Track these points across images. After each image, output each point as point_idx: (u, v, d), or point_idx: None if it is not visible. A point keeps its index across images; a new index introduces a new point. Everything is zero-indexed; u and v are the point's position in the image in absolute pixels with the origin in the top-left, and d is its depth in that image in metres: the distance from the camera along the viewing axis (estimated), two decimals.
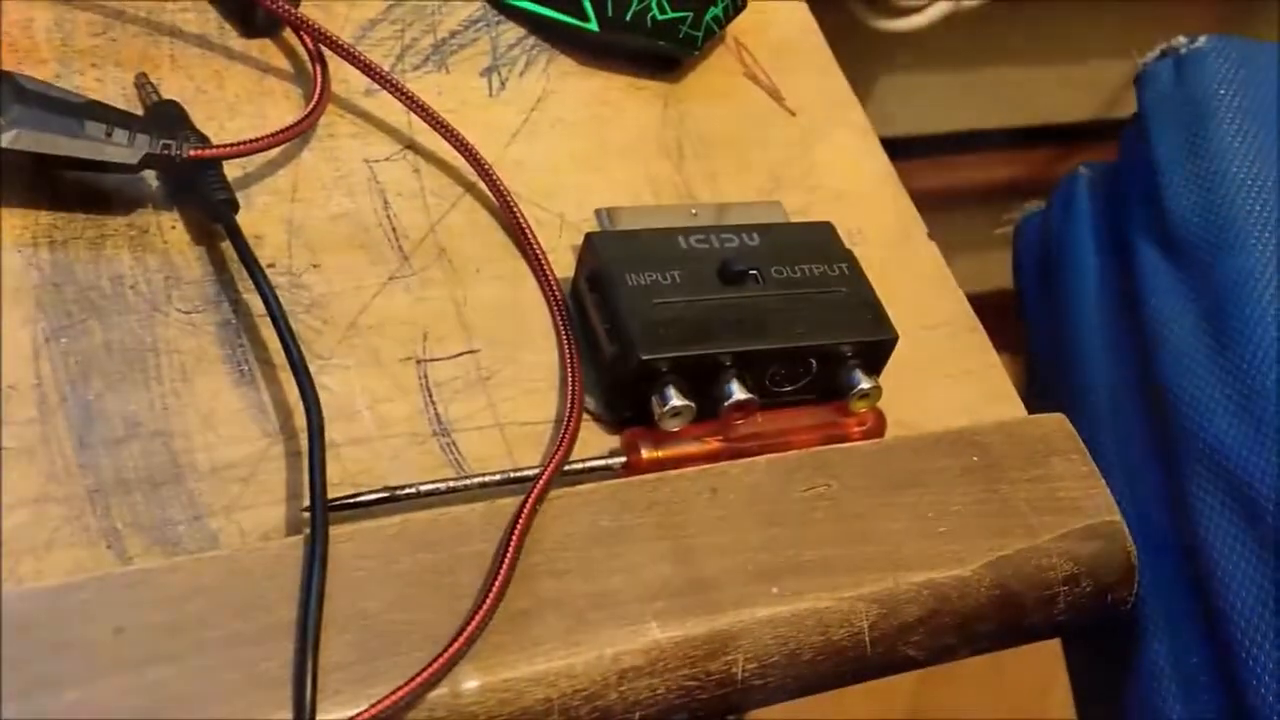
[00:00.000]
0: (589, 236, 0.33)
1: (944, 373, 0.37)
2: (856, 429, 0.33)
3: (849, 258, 0.35)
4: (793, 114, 0.40)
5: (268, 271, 0.31)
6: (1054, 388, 0.45)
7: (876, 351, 0.33)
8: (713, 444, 0.32)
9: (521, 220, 0.35)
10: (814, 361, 0.33)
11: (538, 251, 0.34)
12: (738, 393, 0.32)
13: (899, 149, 0.42)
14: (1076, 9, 0.98)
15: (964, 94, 1.01)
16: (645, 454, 0.31)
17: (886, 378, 0.33)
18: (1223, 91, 0.42)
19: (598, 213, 0.35)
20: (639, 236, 0.33)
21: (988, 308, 0.40)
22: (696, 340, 0.32)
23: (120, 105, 0.33)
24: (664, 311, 0.32)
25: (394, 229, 0.34)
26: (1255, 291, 0.36)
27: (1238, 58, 0.44)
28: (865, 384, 0.33)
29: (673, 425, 0.31)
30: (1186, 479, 0.34)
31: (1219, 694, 0.32)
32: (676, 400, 0.31)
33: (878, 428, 0.33)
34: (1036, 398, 0.38)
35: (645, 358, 0.31)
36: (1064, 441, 0.34)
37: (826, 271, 0.34)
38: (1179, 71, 0.46)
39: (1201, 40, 0.46)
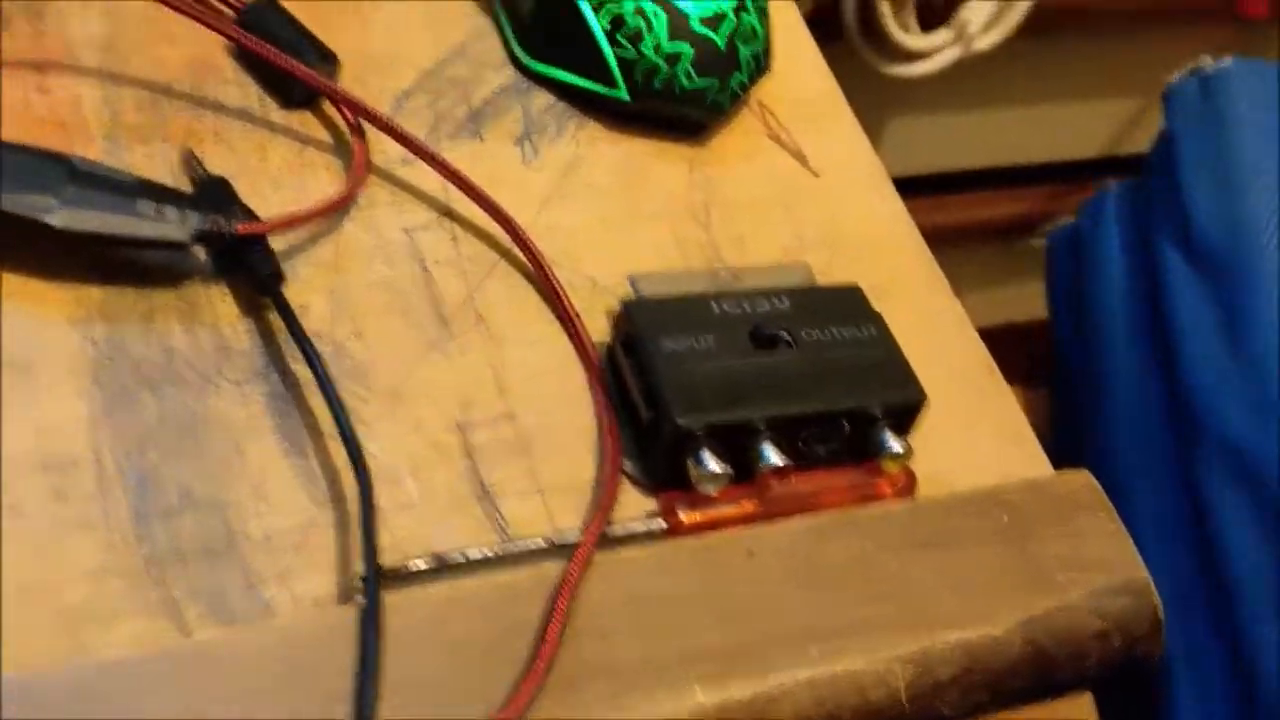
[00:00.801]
0: (624, 303, 0.34)
1: (969, 426, 0.38)
2: (888, 489, 0.34)
3: (877, 319, 0.35)
4: (816, 175, 0.41)
5: (313, 341, 0.32)
6: (1080, 389, 0.47)
7: (906, 412, 0.34)
8: (748, 506, 0.33)
9: (556, 285, 0.35)
10: (846, 423, 0.33)
11: (572, 316, 0.35)
12: (773, 456, 0.32)
13: (907, 187, 0.43)
14: (1080, 51, 1.00)
15: (970, 133, 1.03)
16: (684, 517, 0.32)
17: (913, 431, 0.34)
18: (1245, 110, 0.44)
19: (631, 279, 0.36)
20: (672, 302, 0.34)
21: (997, 341, 0.41)
22: (732, 405, 0.32)
23: (168, 180, 0.34)
24: (699, 376, 0.33)
25: (433, 296, 0.35)
26: (1272, 296, 0.37)
27: (1260, 79, 0.45)
28: (896, 445, 0.33)
29: (710, 489, 0.32)
30: (1202, 471, 0.35)
31: (1227, 674, 0.33)
32: (714, 465, 0.32)
33: (909, 487, 0.34)
34: (1062, 401, 0.39)
35: (682, 423, 0.32)
36: (1091, 499, 0.35)
37: (856, 333, 0.35)
38: (1204, 90, 0.48)
39: (1226, 62, 0.48)
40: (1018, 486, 0.35)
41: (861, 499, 0.34)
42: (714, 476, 0.32)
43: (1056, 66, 1.00)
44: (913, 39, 0.78)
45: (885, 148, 1.00)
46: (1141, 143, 1.15)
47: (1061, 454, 0.42)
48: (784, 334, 0.34)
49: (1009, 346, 0.47)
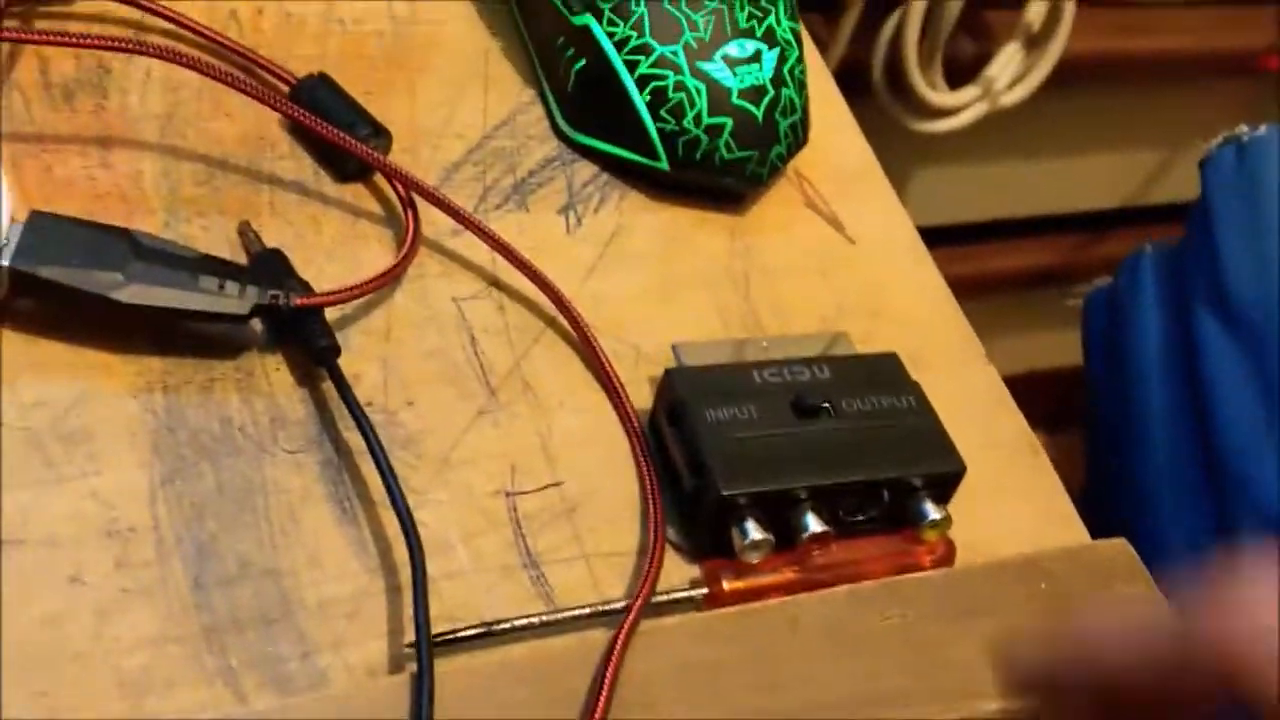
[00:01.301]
0: (668, 372, 0.35)
1: (1005, 492, 0.38)
2: (927, 557, 0.34)
3: (915, 388, 0.36)
4: (852, 242, 0.42)
5: (366, 410, 0.33)
6: (1115, 446, 0.47)
7: (946, 482, 0.35)
8: (790, 574, 0.33)
9: (600, 354, 0.36)
10: (886, 492, 0.34)
11: (616, 384, 0.36)
12: (814, 525, 0.33)
13: (932, 237, 0.44)
14: (1104, 103, 1.00)
15: (995, 184, 1.04)
16: (727, 586, 0.32)
17: (951, 499, 0.35)
18: None
19: (674, 347, 0.36)
20: (714, 371, 0.35)
21: (1021, 387, 0.42)
22: (774, 474, 0.33)
23: (225, 252, 0.35)
24: (742, 445, 0.33)
25: (481, 365, 0.35)
26: None
27: None
28: (935, 514, 0.34)
29: (753, 557, 0.33)
30: (1239, 533, 0.35)
31: None
32: (756, 534, 0.32)
33: (948, 555, 0.35)
34: (1097, 458, 0.40)
35: (726, 492, 0.32)
36: (1127, 566, 0.35)
37: (895, 403, 0.35)
38: (1240, 157, 0.48)
39: (1263, 129, 0.49)
40: (1055, 555, 0.35)
41: (901, 568, 0.34)
42: (756, 545, 0.32)
43: (1081, 118, 1.01)
44: (940, 96, 0.79)
45: (911, 198, 1.01)
46: (1166, 193, 1.16)
47: (1095, 511, 0.42)
48: (825, 404, 0.35)
49: (1034, 393, 0.48)
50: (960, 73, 0.84)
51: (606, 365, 0.36)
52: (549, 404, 0.35)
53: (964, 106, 0.80)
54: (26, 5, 0.37)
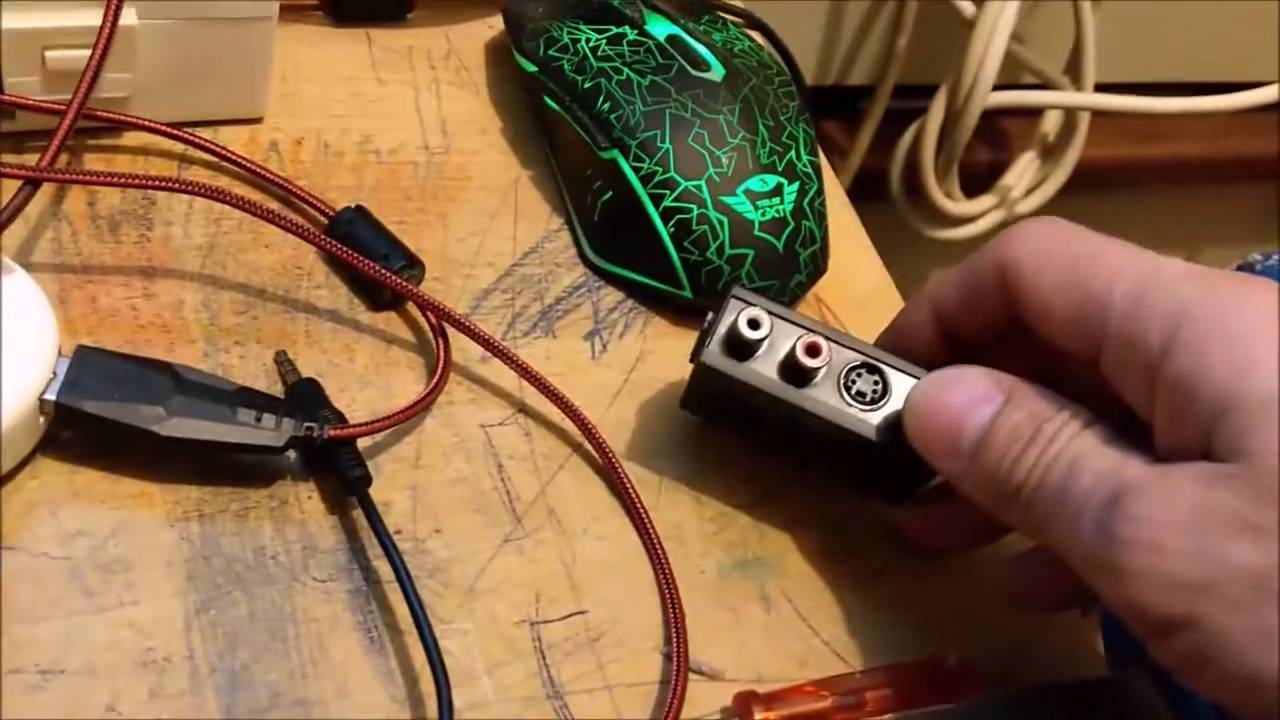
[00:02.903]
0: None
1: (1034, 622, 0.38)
2: (960, 685, 0.35)
3: None
4: None
5: (395, 538, 0.33)
6: None
7: None
8: (823, 703, 0.33)
9: (625, 480, 0.37)
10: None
11: (641, 512, 0.36)
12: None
13: None
14: (1120, 205, 1.02)
15: None
16: (758, 716, 0.33)
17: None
18: None
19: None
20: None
21: None
22: None
23: (262, 380, 0.36)
24: None
25: (508, 492, 0.36)
26: None
27: None
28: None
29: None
30: None
31: None
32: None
33: (972, 681, 0.35)
34: None
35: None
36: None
37: None
38: None
39: (1275, 257, 0.49)
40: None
41: (934, 696, 0.34)
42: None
43: (1096, 221, 1.02)
44: (957, 205, 0.81)
45: None
46: None
47: None
48: None
49: None
50: (976, 179, 0.85)
51: (630, 490, 0.37)
52: (573, 530, 0.36)
53: (980, 214, 0.82)
54: (77, 139, 0.39)
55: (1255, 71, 0.92)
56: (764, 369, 0.35)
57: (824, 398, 0.35)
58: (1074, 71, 0.80)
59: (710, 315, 0.35)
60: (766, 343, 0.35)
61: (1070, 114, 0.82)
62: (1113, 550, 0.27)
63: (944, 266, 1.12)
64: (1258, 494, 0.25)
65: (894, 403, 0.34)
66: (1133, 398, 0.29)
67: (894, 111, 0.82)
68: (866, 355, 0.35)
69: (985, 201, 0.82)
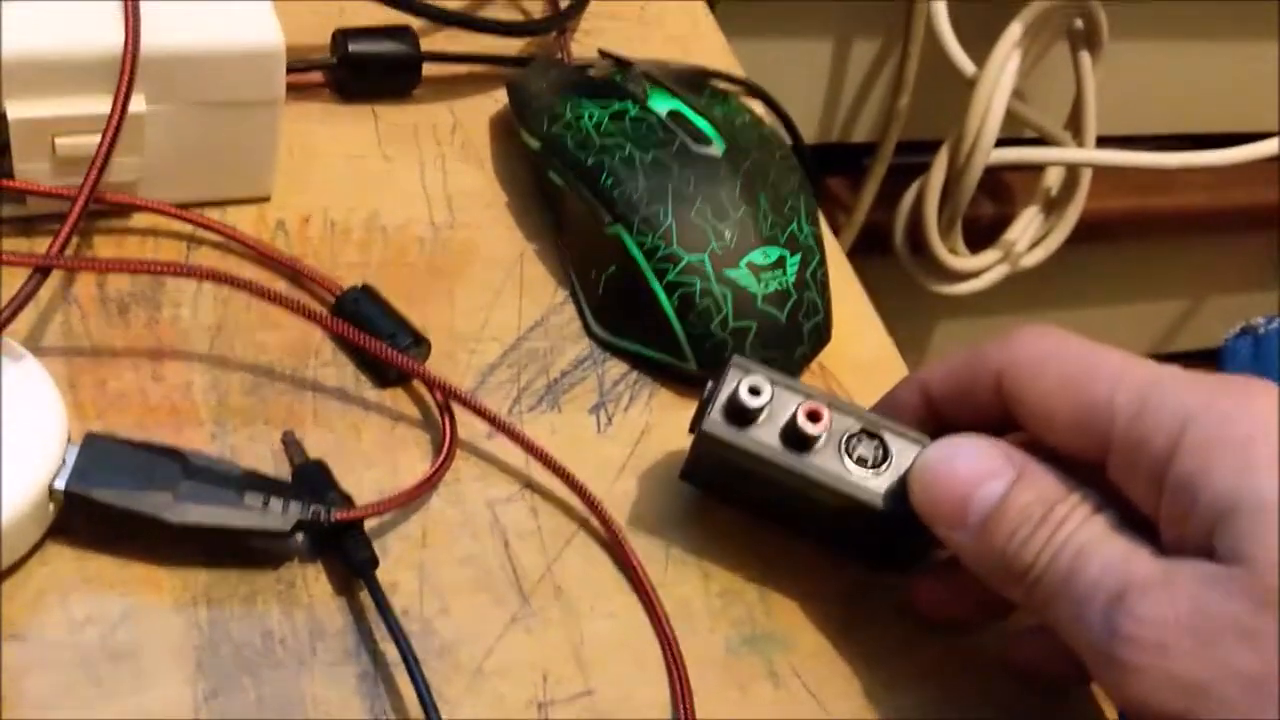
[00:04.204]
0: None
1: None
2: None
3: None
4: None
5: (402, 619, 0.33)
6: None
7: None
8: None
9: (632, 556, 0.37)
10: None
11: (648, 589, 0.36)
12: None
13: None
14: (1124, 255, 1.02)
15: None
16: None
17: None
18: None
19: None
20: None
21: None
22: None
23: (269, 461, 0.36)
24: None
25: (514, 570, 0.36)
26: None
27: None
28: None
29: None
30: None
31: None
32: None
33: None
34: None
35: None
36: None
37: None
38: (1258, 348, 0.49)
39: (1277, 321, 0.49)
40: None
41: None
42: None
43: (1100, 272, 1.02)
44: (961, 260, 0.81)
45: (932, 352, 1.02)
46: (1186, 342, 1.17)
47: None
48: None
49: None
50: (980, 233, 0.86)
51: (637, 567, 0.37)
52: (580, 609, 0.36)
53: (985, 270, 0.82)
54: (86, 221, 0.39)
55: (1256, 121, 0.93)
56: (765, 436, 0.35)
57: (826, 464, 0.35)
58: (1075, 126, 0.81)
59: (710, 384, 0.36)
60: (767, 410, 0.35)
61: (1073, 168, 0.82)
62: (1117, 645, 0.27)
63: (948, 321, 1.13)
64: (1256, 599, 0.26)
65: (895, 468, 0.35)
66: (1139, 499, 0.30)
67: (897, 166, 0.83)
68: (866, 421, 0.35)
69: (989, 256, 0.82)
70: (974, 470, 0.32)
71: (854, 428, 0.35)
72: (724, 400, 0.35)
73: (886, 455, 0.35)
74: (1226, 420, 0.28)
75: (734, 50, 0.54)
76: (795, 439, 0.35)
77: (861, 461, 0.35)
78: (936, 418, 0.35)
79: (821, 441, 0.35)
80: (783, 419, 0.35)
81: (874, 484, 0.34)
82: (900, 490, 0.34)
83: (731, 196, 0.41)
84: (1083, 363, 0.31)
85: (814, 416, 0.34)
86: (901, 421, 0.35)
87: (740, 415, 0.35)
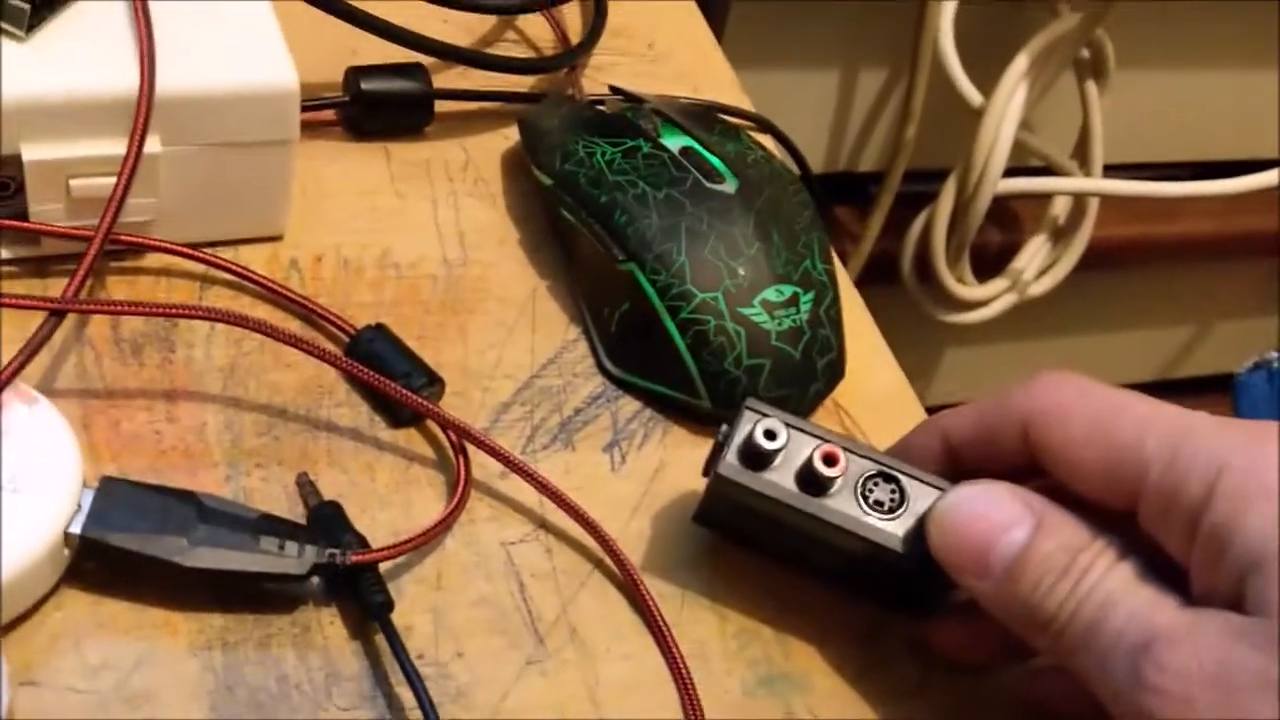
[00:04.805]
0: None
1: None
2: None
3: None
4: None
5: (417, 663, 0.33)
6: None
7: None
8: None
9: (647, 597, 0.37)
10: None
11: (664, 630, 0.36)
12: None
13: None
14: (1131, 281, 1.02)
15: (1023, 363, 1.05)
16: None
17: None
18: None
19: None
20: None
21: None
22: None
23: (283, 501, 0.36)
24: None
25: (530, 612, 0.36)
26: None
27: None
28: None
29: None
30: None
31: None
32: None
33: None
34: None
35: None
36: None
37: None
38: (1271, 381, 0.49)
39: None
40: None
41: None
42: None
43: (1107, 298, 1.03)
44: (968, 289, 0.81)
45: (941, 381, 1.02)
46: (1192, 368, 1.17)
47: None
48: None
49: None
50: (988, 261, 0.86)
51: (653, 608, 0.37)
52: (596, 651, 0.36)
53: (992, 298, 0.82)
54: (100, 261, 0.39)
55: (1260, 148, 0.93)
56: (781, 480, 0.35)
57: (842, 507, 0.35)
58: (1082, 155, 0.81)
59: (724, 428, 0.35)
60: (782, 454, 0.35)
61: (1080, 197, 0.82)
62: (1143, 696, 0.27)
63: (956, 350, 1.13)
64: None
65: (912, 512, 0.34)
66: (1172, 547, 0.30)
67: (905, 195, 0.83)
68: (882, 464, 0.35)
69: (997, 285, 0.82)
70: (994, 519, 0.32)
71: (870, 471, 0.35)
72: (739, 443, 0.35)
73: (903, 499, 0.35)
74: (1261, 469, 0.28)
75: (741, 81, 0.54)
76: (811, 482, 0.35)
77: (878, 505, 0.35)
78: (956, 463, 0.35)
79: (838, 485, 0.35)
80: (798, 462, 0.35)
81: (891, 528, 0.34)
82: (918, 534, 0.34)
83: (745, 234, 0.41)
84: (1109, 410, 0.31)
85: (830, 460, 0.34)
86: (919, 466, 0.35)
87: (756, 459, 0.35)
